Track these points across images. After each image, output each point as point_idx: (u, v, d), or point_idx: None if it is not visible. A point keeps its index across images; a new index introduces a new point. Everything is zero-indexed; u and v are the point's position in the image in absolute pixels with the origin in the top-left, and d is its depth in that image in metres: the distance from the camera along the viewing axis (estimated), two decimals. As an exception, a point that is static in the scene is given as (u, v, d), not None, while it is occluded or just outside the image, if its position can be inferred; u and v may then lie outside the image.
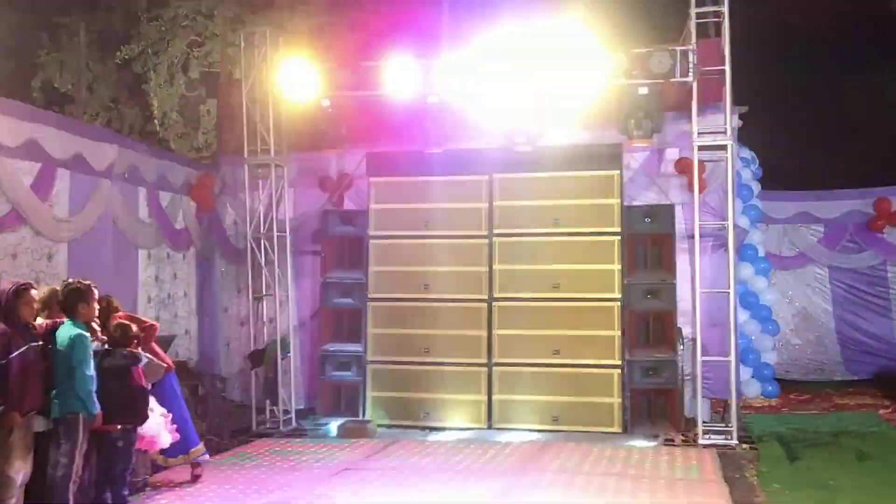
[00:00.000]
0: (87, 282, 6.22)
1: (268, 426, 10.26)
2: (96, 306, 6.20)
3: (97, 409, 5.87)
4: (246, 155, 10.57)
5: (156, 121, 20.87)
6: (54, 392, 5.83)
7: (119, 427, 6.07)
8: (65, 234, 8.90)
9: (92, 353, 5.92)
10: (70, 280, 6.27)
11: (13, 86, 19.81)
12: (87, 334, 5.95)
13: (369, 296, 10.65)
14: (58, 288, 6.30)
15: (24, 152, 8.31)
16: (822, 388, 12.85)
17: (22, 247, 8.35)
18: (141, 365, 6.35)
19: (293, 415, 10.46)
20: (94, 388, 5.85)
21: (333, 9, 20.83)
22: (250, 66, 10.56)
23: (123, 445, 6.11)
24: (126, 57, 20.83)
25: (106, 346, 6.26)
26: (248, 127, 10.54)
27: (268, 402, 10.47)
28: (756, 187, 12.38)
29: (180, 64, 20.62)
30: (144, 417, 6.31)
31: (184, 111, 21.10)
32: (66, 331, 5.85)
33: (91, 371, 5.85)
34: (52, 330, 5.94)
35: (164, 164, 10.85)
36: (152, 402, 6.85)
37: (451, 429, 10.06)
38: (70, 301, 6.00)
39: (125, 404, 6.14)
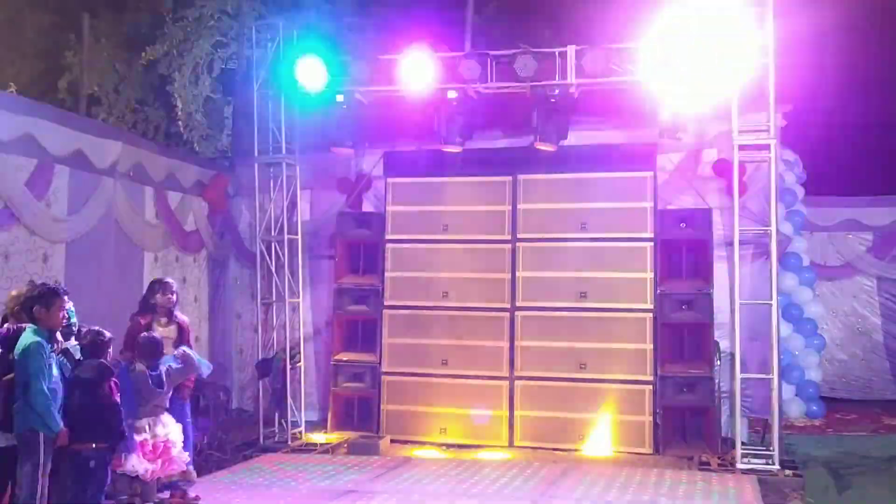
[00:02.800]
0: (55, 285, 5.70)
1: (276, 440, 9.73)
2: (62, 314, 5.67)
3: (59, 426, 5.35)
4: (256, 154, 10.10)
5: (180, 122, 20.58)
6: (14, 406, 5.33)
7: (93, 445, 5.55)
8: (62, 234, 8.47)
9: (50, 363, 5.38)
10: (34, 282, 5.77)
11: (42, 87, 19.72)
12: (45, 343, 5.42)
13: (385, 303, 10.09)
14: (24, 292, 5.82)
15: (19, 147, 7.89)
16: (870, 407, 12.08)
17: (15, 247, 7.92)
18: (112, 379, 5.84)
19: (302, 428, 9.92)
20: (52, 402, 5.33)
21: (361, 9, 20.45)
22: (262, 61, 10.09)
23: (95, 466, 5.57)
24: (151, 58, 20.59)
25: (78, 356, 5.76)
26: (260, 124, 10.07)
27: (276, 414, 9.96)
28: (800, 192, 11.63)
29: (205, 65, 20.33)
30: (119, 436, 5.78)
31: (209, 112, 20.80)
32: (23, 339, 5.34)
33: (49, 385, 5.32)
34: (16, 336, 5.42)
35: (172, 162, 10.41)
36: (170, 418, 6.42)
37: (469, 446, 9.46)
38: (27, 304, 5.49)
39: (95, 421, 5.60)
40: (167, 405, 6.46)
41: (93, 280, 8.73)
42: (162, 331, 7.36)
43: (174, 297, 7.57)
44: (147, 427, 6.12)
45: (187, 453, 6.77)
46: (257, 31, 10.49)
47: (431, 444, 9.59)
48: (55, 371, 5.45)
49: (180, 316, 7.69)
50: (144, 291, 7.76)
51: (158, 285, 7.60)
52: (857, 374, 12.91)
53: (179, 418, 7.15)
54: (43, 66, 20.89)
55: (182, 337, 7.52)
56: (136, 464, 6.01)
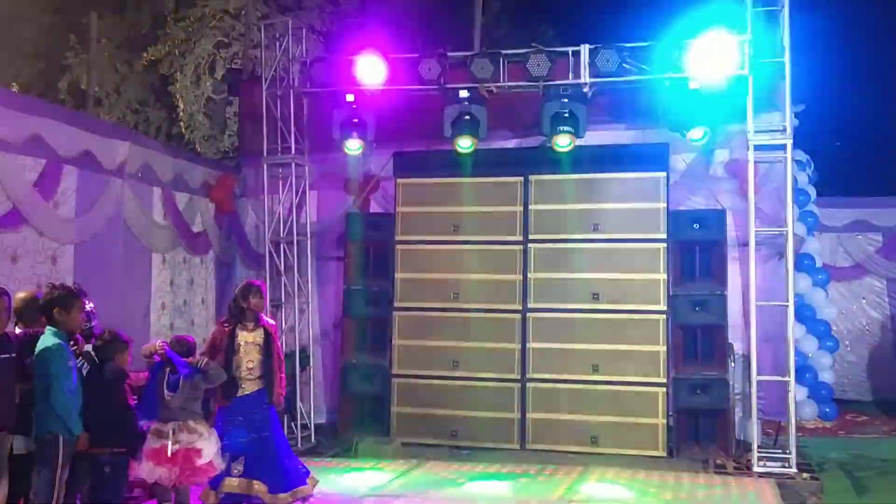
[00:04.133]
0: (73, 286, 5.60)
1: (285, 443, 9.63)
2: (82, 316, 5.56)
3: (79, 428, 5.24)
4: (265, 154, 10.01)
5: (181, 123, 20.47)
6: (34, 409, 5.22)
7: (111, 450, 5.44)
8: (71, 235, 8.35)
9: (70, 366, 5.27)
10: (54, 283, 5.66)
11: (41, 87, 19.60)
12: (66, 345, 5.32)
13: (395, 305, 9.99)
14: (35, 294, 5.71)
15: (28, 148, 7.76)
16: (881, 409, 12.05)
17: (23, 248, 7.80)
18: (128, 382, 5.72)
19: (312, 431, 9.84)
20: (75, 406, 5.22)
21: (363, 9, 20.38)
22: (271, 61, 10.02)
23: (111, 472, 5.46)
24: (153, 58, 20.49)
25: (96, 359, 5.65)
26: (268, 125, 10.00)
27: (286, 417, 9.85)
28: (812, 192, 11.57)
29: (207, 65, 20.23)
30: (137, 441, 5.66)
31: (210, 113, 20.70)
32: (43, 341, 5.24)
33: (71, 387, 5.21)
34: (31, 340, 5.32)
35: (180, 163, 10.28)
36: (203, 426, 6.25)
37: (481, 449, 9.37)
38: (47, 307, 5.39)
39: (110, 425, 5.49)
40: (198, 410, 6.21)
41: (101, 281, 8.58)
42: (248, 336, 6.96)
43: (261, 300, 7.11)
44: (171, 431, 5.92)
45: (220, 461, 6.29)
46: (264, 30, 10.42)
47: (442, 446, 9.48)
48: (76, 374, 5.34)
49: (267, 320, 7.21)
50: (234, 295, 7.16)
51: (253, 289, 7.07)
52: (866, 376, 12.87)
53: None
54: (42, 66, 20.77)
55: (269, 342, 7.02)
56: (150, 469, 5.85)
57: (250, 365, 6.92)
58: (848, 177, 13.13)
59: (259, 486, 6.71)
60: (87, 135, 8.55)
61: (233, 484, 6.68)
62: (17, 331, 5.60)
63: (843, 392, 12.33)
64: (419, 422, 9.73)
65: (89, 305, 5.99)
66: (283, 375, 7.22)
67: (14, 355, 5.20)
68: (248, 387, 6.94)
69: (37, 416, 5.23)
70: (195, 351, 6.52)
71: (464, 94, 9.14)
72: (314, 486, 6.99)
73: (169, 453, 5.83)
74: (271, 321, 7.29)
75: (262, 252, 10.71)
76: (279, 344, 7.30)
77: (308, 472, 7.05)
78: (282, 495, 6.72)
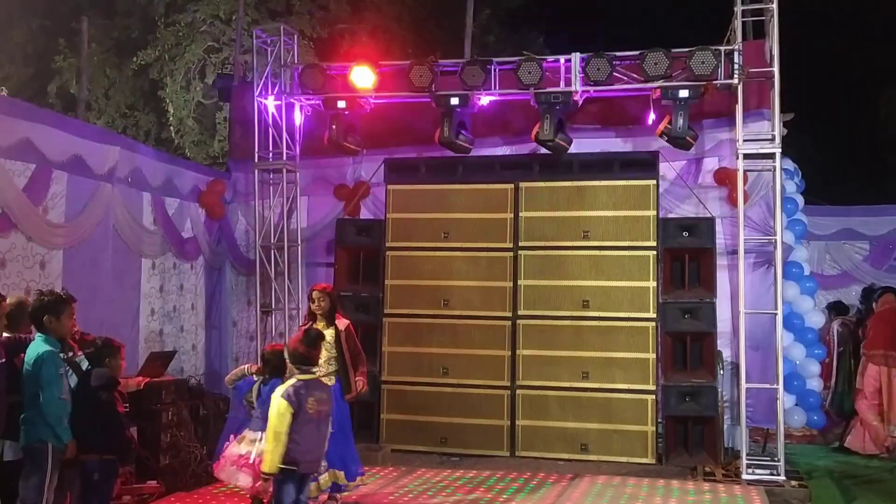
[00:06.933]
0: (62, 293, 5.57)
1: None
2: (70, 322, 5.54)
3: (69, 436, 5.21)
4: (256, 159, 10.01)
5: (171, 127, 20.40)
6: (22, 417, 5.19)
7: (98, 457, 5.40)
8: (60, 240, 8.30)
9: (62, 373, 5.24)
10: (43, 290, 5.63)
11: (31, 91, 19.50)
12: (57, 351, 5.29)
13: (385, 311, 9.98)
14: (24, 299, 5.68)
15: (17, 152, 7.72)
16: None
17: (12, 253, 7.75)
18: (117, 389, 5.69)
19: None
20: (65, 413, 5.18)
21: (354, 15, 20.40)
22: (262, 67, 10.03)
23: (99, 479, 5.43)
24: (143, 63, 20.42)
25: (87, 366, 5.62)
26: (259, 130, 9.99)
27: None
28: (800, 201, 11.61)
29: (197, 70, 20.18)
30: (124, 448, 5.65)
31: (200, 118, 20.64)
32: (34, 348, 5.21)
33: (62, 394, 5.18)
34: (20, 346, 5.28)
35: (170, 168, 10.24)
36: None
37: (471, 456, 9.37)
38: (37, 314, 5.35)
39: (97, 431, 5.46)
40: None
41: (90, 287, 8.57)
42: None
43: (321, 302, 7.37)
44: (258, 440, 6.03)
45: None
46: (256, 36, 10.42)
47: (431, 453, 9.48)
48: (65, 381, 5.31)
49: (339, 319, 7.49)
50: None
51: (313, 292, 7.52)
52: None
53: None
54: (32, 70, 20.66)
55: (339, 339, 7.33)
56: (231, 474, 6.01)
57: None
58: (835, 185, 13.21)
59: (340, 474, 7.14)
60: (77, 139, 8.51)
61: (324, 479, 7.01)
62: (5, 335, 5.56)
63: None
64: (409, 429, 9.72)
65: None
66: (364, 370, 7.53)
67: (3, 360, 5.17)
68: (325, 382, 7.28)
69: (26, 423, 5.20)
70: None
71: (455, 101, 9.17)
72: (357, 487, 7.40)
73: (251, 460, 5.95)
74: (345, 320, 7.55)
75: (253, 258, 10.70)
76: (355, 341, 7.53)
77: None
78: (352, 483, 7.25)
